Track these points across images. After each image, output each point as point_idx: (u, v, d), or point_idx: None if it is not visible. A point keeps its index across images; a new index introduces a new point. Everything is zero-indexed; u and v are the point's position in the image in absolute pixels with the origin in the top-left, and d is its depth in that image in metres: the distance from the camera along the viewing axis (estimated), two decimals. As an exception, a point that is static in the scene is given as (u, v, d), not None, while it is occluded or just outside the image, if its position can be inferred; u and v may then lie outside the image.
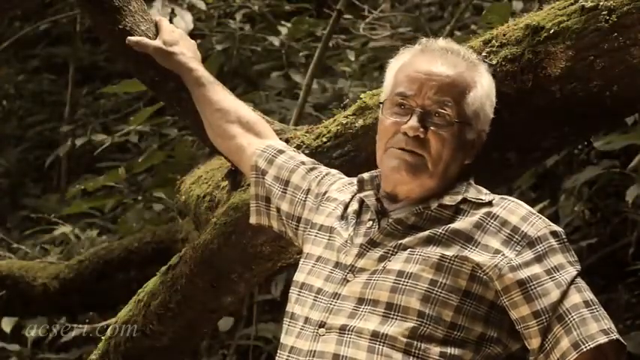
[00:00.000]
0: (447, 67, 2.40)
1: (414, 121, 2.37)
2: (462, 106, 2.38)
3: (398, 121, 2.40)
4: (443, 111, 2.37)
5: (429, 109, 2.38)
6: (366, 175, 2.49)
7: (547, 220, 2.34)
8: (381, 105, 2.47)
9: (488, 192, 2.41)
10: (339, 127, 3.03)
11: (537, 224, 2.31)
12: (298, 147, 3.02)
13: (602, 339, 2.21)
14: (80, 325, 5.57)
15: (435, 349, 2.25)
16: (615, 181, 5.37)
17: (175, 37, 3.01)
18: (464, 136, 2.39)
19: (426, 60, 2.42)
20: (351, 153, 2.95)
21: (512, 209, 2.33)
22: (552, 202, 5.40)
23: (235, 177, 3.22)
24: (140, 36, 3.03)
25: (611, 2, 2.59)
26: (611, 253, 5.63)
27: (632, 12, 2.56)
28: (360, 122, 2.96)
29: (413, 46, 2.49)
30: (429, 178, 2.38)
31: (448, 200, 2.37)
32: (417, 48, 2.47)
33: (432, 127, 2.37)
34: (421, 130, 2.36)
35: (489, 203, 2.36)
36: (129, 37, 3.01)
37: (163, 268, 3.49)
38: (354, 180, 2.55)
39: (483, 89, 2.43)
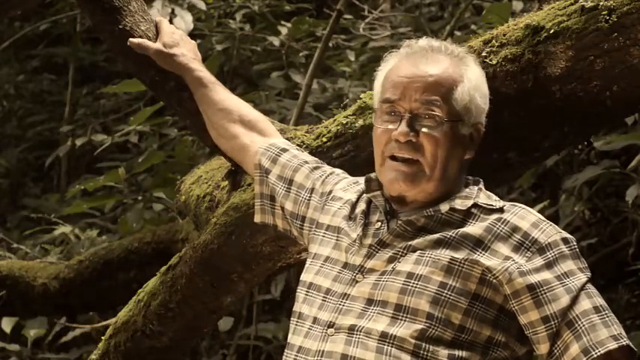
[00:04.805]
0: (429, 66, 2.38)
1: (403, 127, 2.35)
2: (450, 104, 2.36)
3: (389, 129, 2.38)
4: (432, 112, 2.34)
5: (417, 112, 2.35)
6: (373, 175, 2.47)
7: (557, 227, 2.32)
8: (373, 114, 2.47)
9: (498, 198, 2.40)
10: (339, 127, 3.03)
11: (548, 231, 2.30)
12: (298, 147, 3.02)
13: (612, 345, 2.20)
14: (80, 325, 5.57)
15: (443, 352, 2.25)
16: (615, 181, 5.38)
17: (175, 38, 3.01)
18: (458, 133, 2.37)
19: (409, 63, 2.40)
20: (351, 153, 2.95)
21: (523, 215, 2.32)
22: (552, 202, 5.40)
23: (235, 177, 3.22)
24: (140, 36, 3.03)
25: (611, 2, 2.59)
26: (611, 253, 5.63)
27: (632, 12, 2.56)
28: (360, 122, 2.96)
29: (398, 50, 2.46)
30: (428, 181, 2.36)
31: (459, 204, 2.36)
32: (401, 52, 2.44)
33: (423, 130, 2.34)
34: (412, 134, 2.34)
35: (500, 209, 2.35)
36: (130, 39, 3.01)
37: (163, 268, 3.49)
38: (359, 179, 2.55)
39: (471, 82, 2.40)
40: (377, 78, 2.48)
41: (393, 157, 2.38)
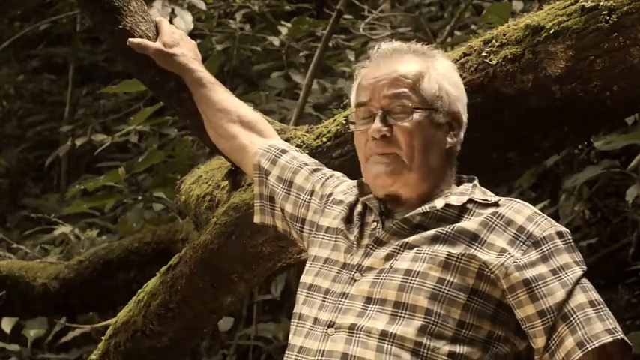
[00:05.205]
0: (394, 64, 2.42)
1: (376, 124, 2.39)
2: (419, 93, 2.39)
3: (365, 129, 2.42)
4: (401, 104, 2.38)
5: (388, 108, 2.39)
6: (364, 179, 2.50)
7: (552, 220, 2.34)
8: (351, 124, 2.50)
9: (492, 194, 2.42)
10: (339, 127, 3.03)
11: (543, 224, 2.31)
12: (298, 147, 3.02)
13: (607, 338, 2.21)
14: (80, 325, 5.57)
15: (444, 348, 2.25)
16: (615, 181, 5.38)
17: (175, 38, 3.01)
18: (433, 122, 2.39)
19: (374, 67, 2.45)
20: (351, 153, 2.94)
21: (518, 209, 2.33)
22: (552, 202, 5.40)
23: (235, 177, 3.22)
24: (140, 36, 3.03)
25: (611, 2, 2.60)
26: (611, 253, 5.64)
27: (632, 12, 2.56)
28: (360, 122, 2.96)
29: (367, 62, 2.50)
30: (410, 172, 2.38)
31: (455, 200, 2.37)
32: (368, 62, 2.49)
33: (396, 123, 2.38)
34: (385, 129, 2.38)
35: (495, 204, 2.36)
36: (130, 39, 3.01)
37: (163, 268, 3.49)
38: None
39: (438, 71, 2.43)
40: (351, 92, 2.52)
41: (374, 156, 2.41)
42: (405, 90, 2.39)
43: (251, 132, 2.86)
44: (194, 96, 2.96)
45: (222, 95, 2.93)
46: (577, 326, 2.22)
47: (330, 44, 6.28)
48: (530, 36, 2.72)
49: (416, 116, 2.38)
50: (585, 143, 5.06)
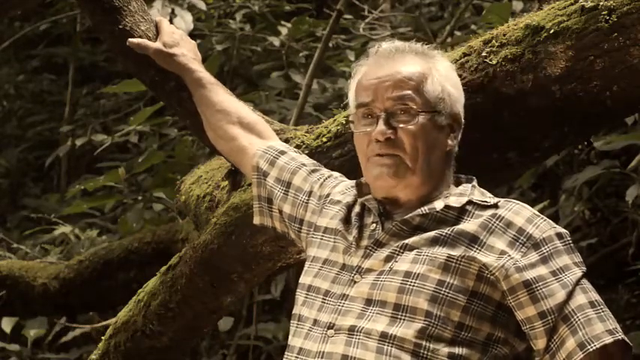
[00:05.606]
0: (396, 65, 2.41)
1: (380, 126, 2.38)
2: (422, 96, 2.39)
3: (368, 131, 2.41)
4: (405, 106, 2.37)
5: (391, 110, 2.38)
6: (363, 180, 2.50)
7: (552, 222, 2.34)
8: (350, 124, 2.48)
9: (492, 195, 2.42)
10: (339, 127, 3.03)
11: (542, 226, 2.31)
12: (298, 147, 3.02)
13: (608, 339, 2.21)
14: (80, 325, 5.58)
15: (444, 350, 2.26)
16: (615, 181, 5.38)
17: (176, 38, 3.01)
18: (436, 124, 2.39)
19: (376, 67, 2.44)
20: (351, 153, 2.94)
21: (518, 211, 2.33)
22: (552, 202, 5.40)
23: (235, 177, 3.22)
24: (140, 36, 3.03)
25: (611, 2, 2.60)
26: (611, 253, 5.64)
27: (632, 12, 2.56)
28: (360, 122, 2.96)
29: (366, 59, 2.49)
30: (413, 174, 2.38)
31: (454, 202, 2.37)
32: (368, 61, 2.48)
33: (400, 126, 2.37)
34: (389, 131, 2.37)
35: (495, 205, 2.36)
36: (130, 39, 3.01)
37: (163, 268, 3.49)
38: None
39: (440, 73, 2.42)
40: (350, 89, 2.51)
41: (376, 156, 2.40)
42: (409, 92, 2.38)
43: (251, 133, 2.85)
44: (194, 97, 2.96)
45: (222, 96, 2.93)
46: (578, 327, 2.22)
47: (330, 44, 6.28)
48: (530, 36, 2.72)
49: (420, 119, 2.37)
50: (585, 143, 5.06)
